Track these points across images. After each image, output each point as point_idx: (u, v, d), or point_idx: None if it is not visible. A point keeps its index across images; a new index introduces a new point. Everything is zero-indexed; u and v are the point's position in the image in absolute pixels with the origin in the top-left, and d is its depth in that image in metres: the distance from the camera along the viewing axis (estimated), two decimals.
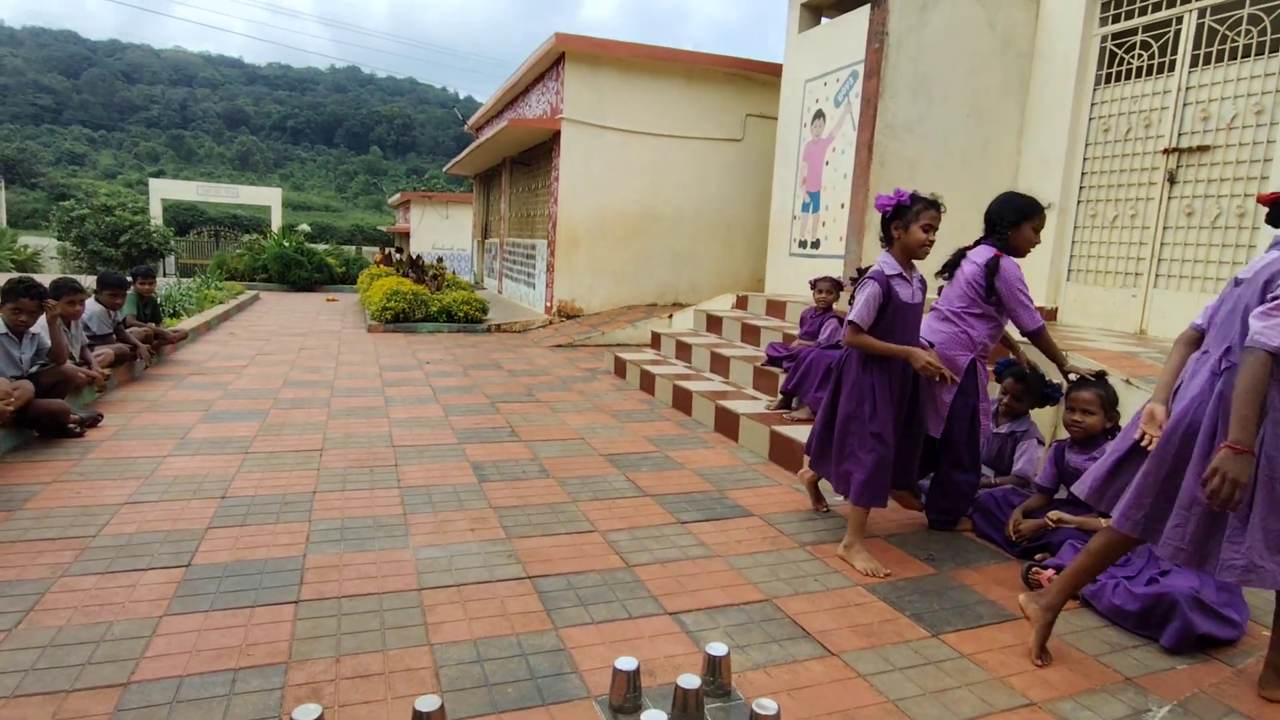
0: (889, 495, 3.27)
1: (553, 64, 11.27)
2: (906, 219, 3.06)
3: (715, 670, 2.12)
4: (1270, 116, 5.02)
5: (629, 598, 2.71)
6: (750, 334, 7.08)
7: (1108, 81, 6.18)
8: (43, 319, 4.68)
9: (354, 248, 31.58)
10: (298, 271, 17.09)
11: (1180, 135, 5.58)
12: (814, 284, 5.64)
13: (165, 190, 28.92)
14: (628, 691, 2.02)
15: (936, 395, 3.35)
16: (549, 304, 11.48)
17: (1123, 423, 2.86)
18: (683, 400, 5.89)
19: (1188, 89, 5.53)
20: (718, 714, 2.04)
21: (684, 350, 7.28)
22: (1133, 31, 5.93)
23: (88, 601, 2.51)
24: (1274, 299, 1.96)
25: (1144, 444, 2.22)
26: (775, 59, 10.04)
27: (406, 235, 27.30)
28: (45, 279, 4.92)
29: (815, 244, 8.31)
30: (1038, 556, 3.07)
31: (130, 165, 74.22)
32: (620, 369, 7.38)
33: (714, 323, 7.91)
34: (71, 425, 4.48)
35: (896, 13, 6.38)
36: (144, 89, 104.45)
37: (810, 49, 8.45)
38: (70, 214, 20.10)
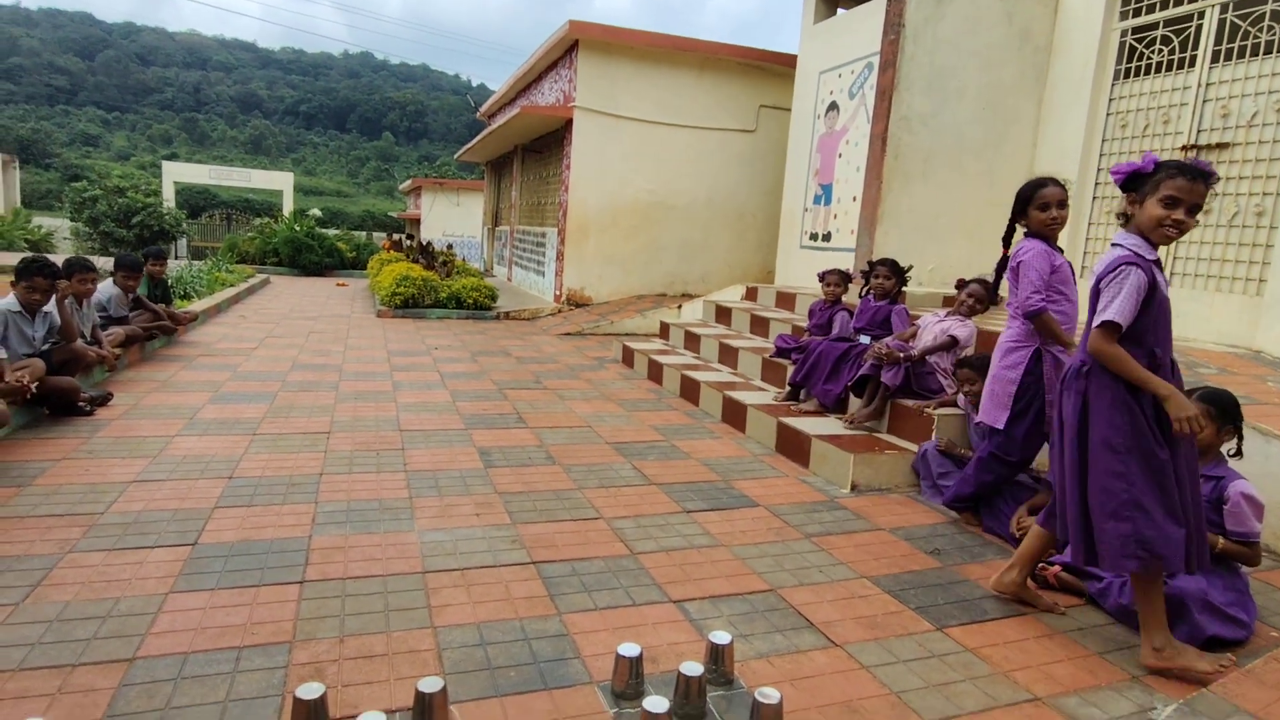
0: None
1: (566, 51, 11.22)
2: (1145, 190, 2.35)
3: (718, 658, 2.12)
4: None
5: (633, 585, 2.71)
6: (759, 325, 7.05)
7: (1127, 76, 6.11)
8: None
9: (365, 233, 31.63)
10: (308, 256, 17.14)
11: (1199, 132, 5.51)
12: (823, 276, 5.60)
13: (178, 173, 29.05)
14: (630, 678, 2.02)
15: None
16: (558, 292, 11.47)
17: None
18: (690, 390, 5.88)
19: (1208, 85, 5.46)
20: (720, 702, 2.03)
21: (692, 340, 7.26)
22: (1153, 26, 5.86)
23: (94, 578, 2.53)
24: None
25: None
26: (790, 50, 9.98)
27: (417, 222, 27.31)
28: (58, 259, 4.94)
29: (827, 237, 8.26)
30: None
31: (144, 147, 74.42)
32: (628, 358, 7.37)
33: (723, 313, 7.89)
34: (81, 403, 4.50)
35: (914, 4, 6.32)
36: (158, 71, 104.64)
37: (825, 40, 8.38)
38: (83, 195, 20.22)
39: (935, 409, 4.20)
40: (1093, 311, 2.39)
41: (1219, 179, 2.63)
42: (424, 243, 15.48)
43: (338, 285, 14.94)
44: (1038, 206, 3.17)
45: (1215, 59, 5.41)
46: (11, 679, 1.96)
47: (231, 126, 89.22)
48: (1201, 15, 5.47)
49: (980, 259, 6.59)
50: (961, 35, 6.48)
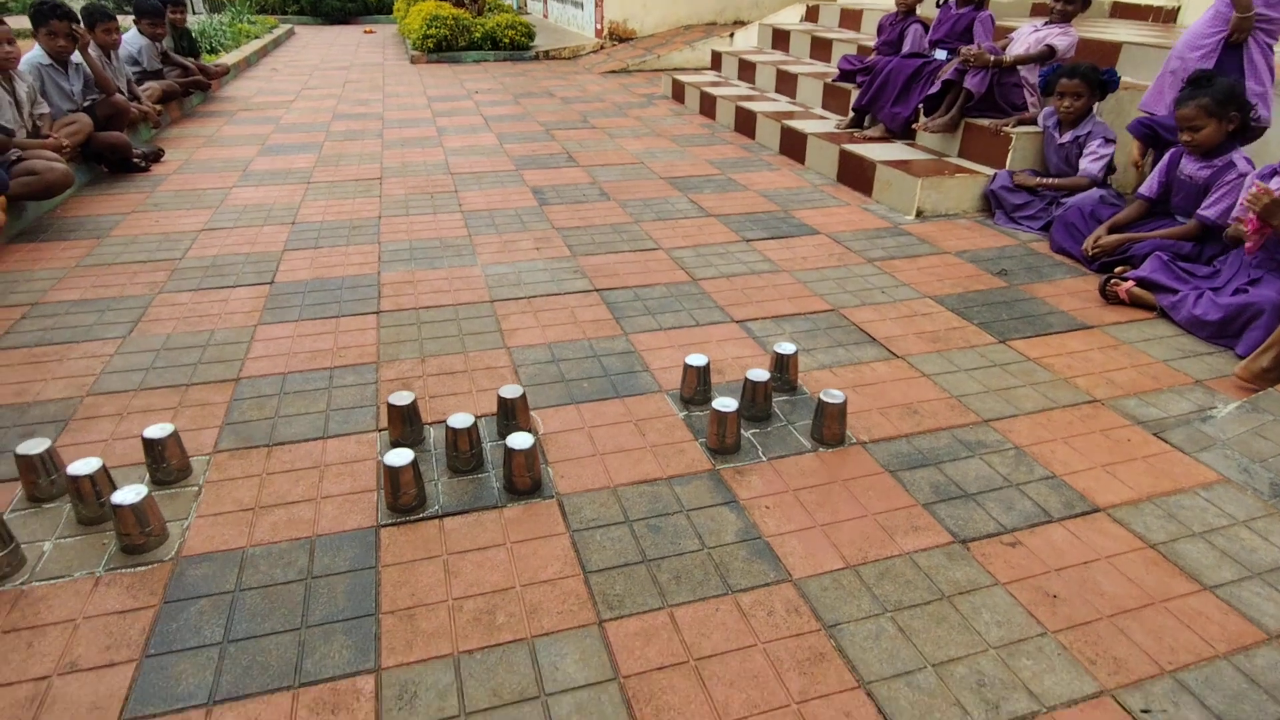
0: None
1: None
2: None
3: (783, 367, 2.19)
4: None
5: (695, 308, 2.76)
6: (821, 49, 6.46)
7: None
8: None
9: None
10: (330, 1, 15.96)
11: None
12: None
13: None
14: (698, 385, 2.11)
15: None
16: (599, 26, 10.58)
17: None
18: (746, 122, 5.56)
19: None
20: (785, 406, 2.13)
21: (747, 70, 6.73)
22: None
23: (187, 314, 2.68)
24: None
25: None
26: None
27: None
28: (75, 3, 4.68)
29: None
30: (1118, 270, 2.96)
31: None
32: (679, 93, 6.93)
33: (780, 38, 7.21)
34: (136, 160, 4.51)
35: None
36: None
37: None
38: None
39: (1014, 127, 3.90)
40: None
41: None
42: None
43: (365, 32, 14.06)
44: None
45: None
46: (136, 396, 2.16)
47: None
48: None
49: None
50: None
